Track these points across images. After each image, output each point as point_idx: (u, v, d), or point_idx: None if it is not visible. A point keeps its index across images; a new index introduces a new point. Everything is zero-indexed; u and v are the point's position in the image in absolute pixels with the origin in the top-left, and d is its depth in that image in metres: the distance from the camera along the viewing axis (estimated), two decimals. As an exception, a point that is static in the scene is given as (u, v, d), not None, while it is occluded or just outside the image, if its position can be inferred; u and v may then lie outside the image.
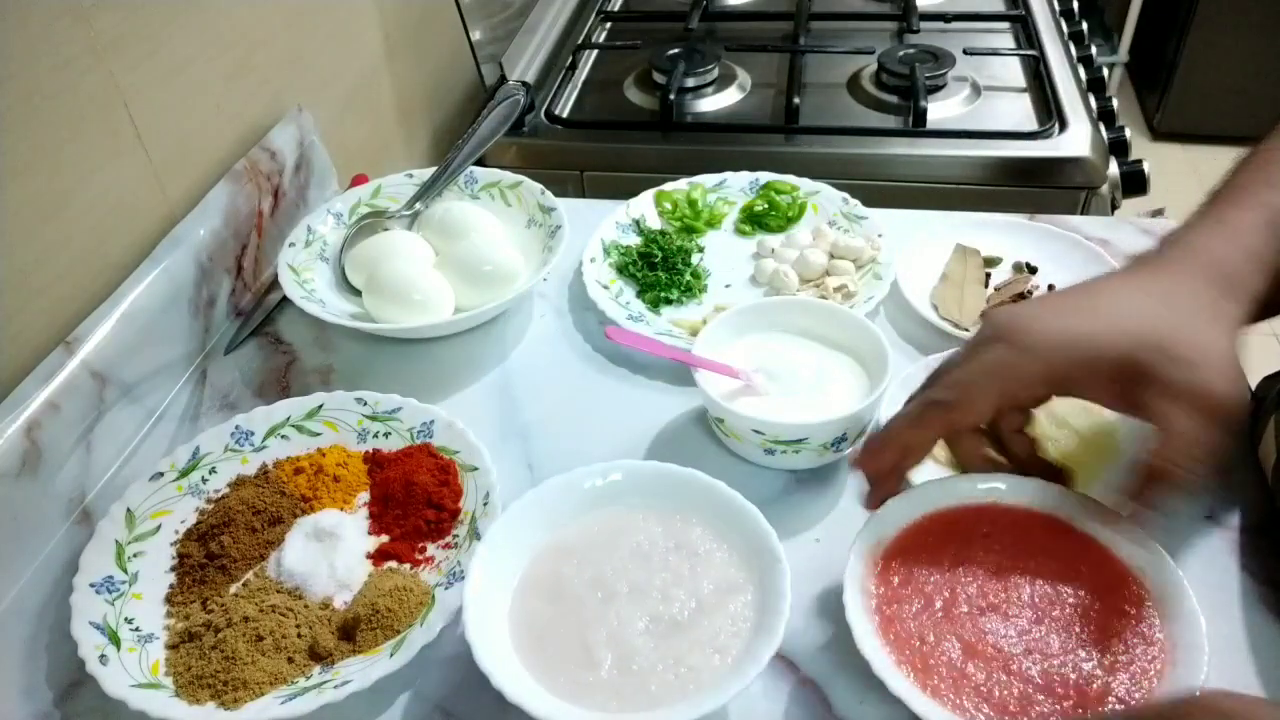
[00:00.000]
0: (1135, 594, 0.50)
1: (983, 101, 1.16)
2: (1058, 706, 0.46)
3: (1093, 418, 0.63)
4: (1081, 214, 1.03)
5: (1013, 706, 0.46)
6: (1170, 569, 0.50)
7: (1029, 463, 0.56)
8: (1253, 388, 0.65)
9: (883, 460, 0.54)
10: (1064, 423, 0.63)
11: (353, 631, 0.55)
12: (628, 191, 0.91)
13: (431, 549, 0.61)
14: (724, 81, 1.22)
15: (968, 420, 0.53)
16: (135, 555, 0.60)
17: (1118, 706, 0.46)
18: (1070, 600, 0.51)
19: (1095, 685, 0.47)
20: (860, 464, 0.55)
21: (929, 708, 0.46)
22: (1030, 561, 0.52)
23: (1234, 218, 0.53)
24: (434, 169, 0.89)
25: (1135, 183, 1.07)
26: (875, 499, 0.55)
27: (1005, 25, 1.33)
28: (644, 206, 0.90)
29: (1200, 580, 0.57)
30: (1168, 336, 0.48)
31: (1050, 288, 0.79)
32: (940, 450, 0.61)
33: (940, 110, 1.13)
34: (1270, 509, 0.59)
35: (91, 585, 0.58)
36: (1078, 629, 0.49)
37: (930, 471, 0.61)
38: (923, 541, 0.53)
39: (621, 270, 0.84)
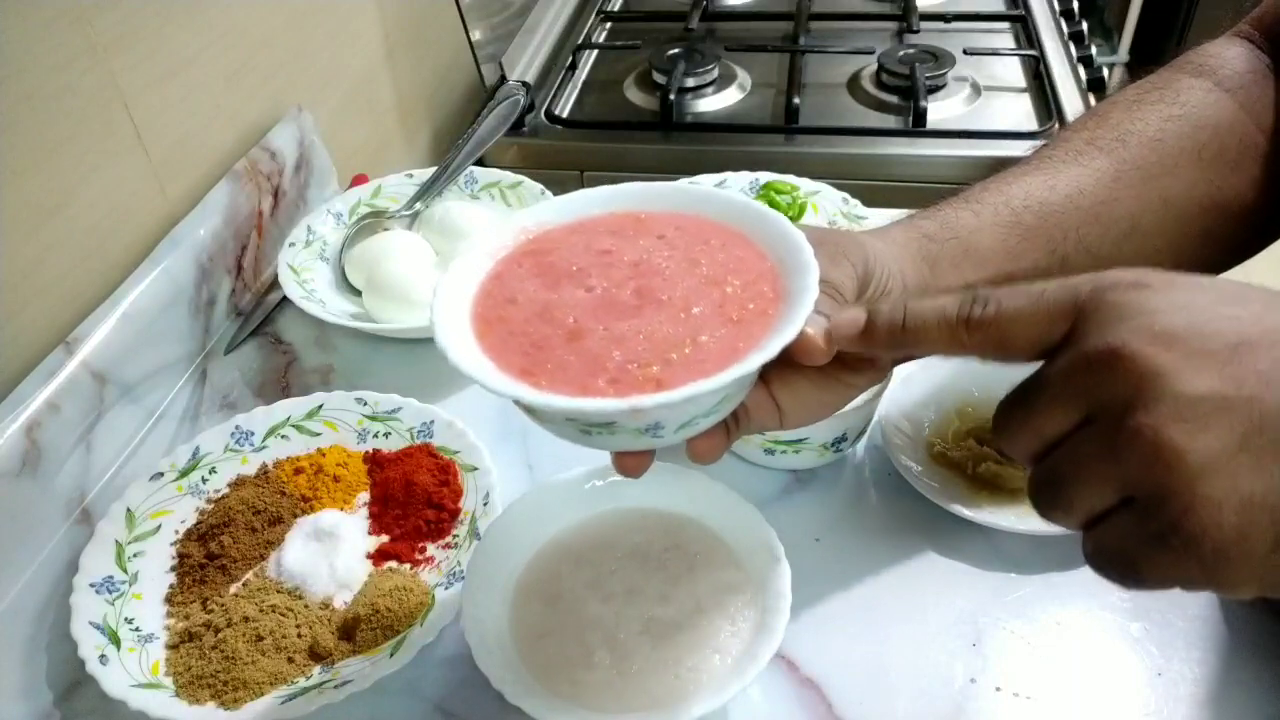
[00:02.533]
0: (757, 268, 0.42)
1: (983, 101, 1.16)
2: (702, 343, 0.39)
3: None
4: (1081, 214, 1.03)
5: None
6: (803, 254, 0.40)
7: None
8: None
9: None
10: None
11: (353, 631, 0.55)
12: (628, 191, 0.90)
13: (431, 549, 0.61)
14: (724, 81, 1.22)
15: None
16: (135, 555, 0.60)
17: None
18: (674, 270, 0.42)
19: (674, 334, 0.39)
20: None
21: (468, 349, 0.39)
22: (645, 244, 0.44)
23: (894, 232, 0.52)
24: (434, 169, 0.89)
25: (1135, 183, 1.06)
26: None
27: (1005, 25, 1.33)
28: (644, 206, 0.90)
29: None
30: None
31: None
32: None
33: (940, 110, 1.13)
34: None
35: (91, 585, 0.58)
36: (675, 294, 0.41)
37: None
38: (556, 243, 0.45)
39: (621, 270, 0.83)
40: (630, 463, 0.43)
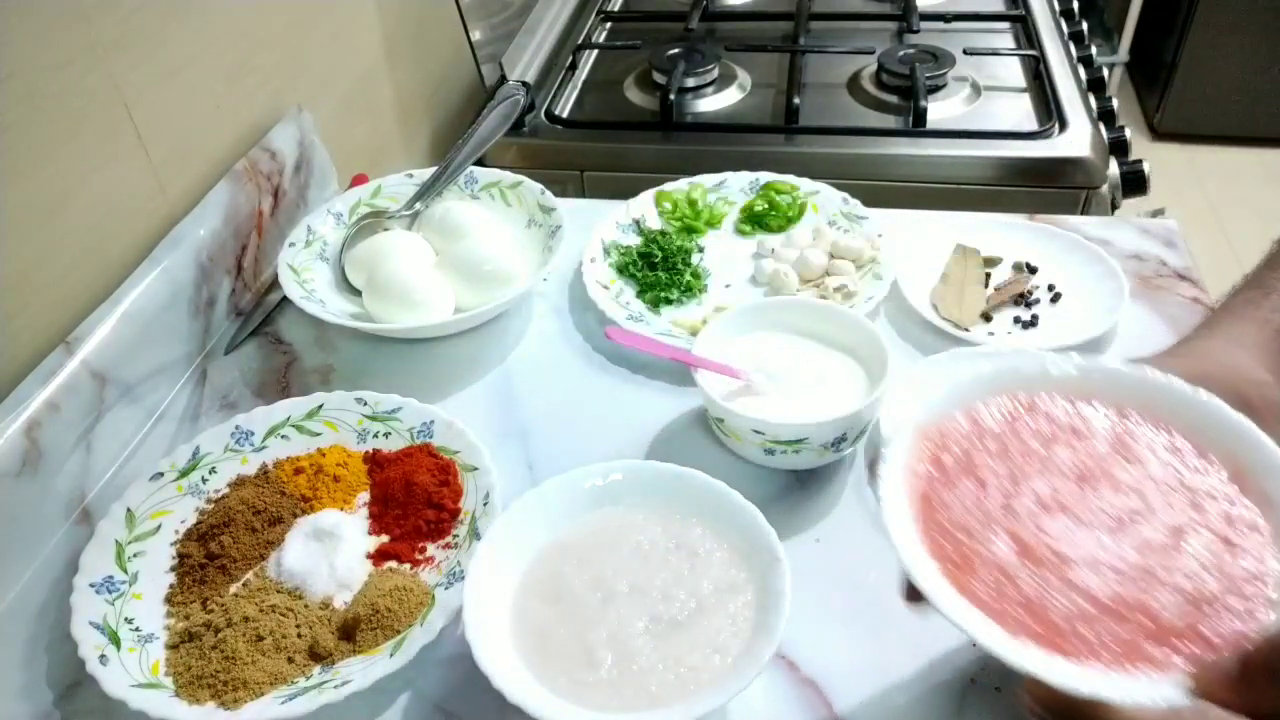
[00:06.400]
0: (1248, 522, 0.41)
1: (983, 101, 1.16)
2: (1119, 631, 0.38)
3: None
4: (1081, 214, 1.03)
5: (1061, 623, 0.38)
6: None
7: None
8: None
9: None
10: None
11: (353, 631, 0.55)
12: (628, 191, 0.91)
13: (431, 549, 0.61)
14: (724, 81, 1.21)
15: None
16: (135, 555, 0.60)
17: (1199, 649, 0.36)
18: (1165, 518, 0.41)
19: (1172, 615, 0.38)
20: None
21: (959, 607, 0.38)
22: (1121, 467, 0.43)
23: (1246, 334, 0.49)
24: (434, 169, 0.89)
25: (1135, 183, 1.07)
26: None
27: (1005, 25, 1.33)
28: (644, 206, 0.90)
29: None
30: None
31: (1050, 288, 0.79)
32: None
33: (940, 110, 1.13)
34: None
35: (91, 585, 0.58)
36: (1166, 550, 0.40)
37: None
38: (988, 428, 0.45)
39: (621, 270, 0.84)
40: None
